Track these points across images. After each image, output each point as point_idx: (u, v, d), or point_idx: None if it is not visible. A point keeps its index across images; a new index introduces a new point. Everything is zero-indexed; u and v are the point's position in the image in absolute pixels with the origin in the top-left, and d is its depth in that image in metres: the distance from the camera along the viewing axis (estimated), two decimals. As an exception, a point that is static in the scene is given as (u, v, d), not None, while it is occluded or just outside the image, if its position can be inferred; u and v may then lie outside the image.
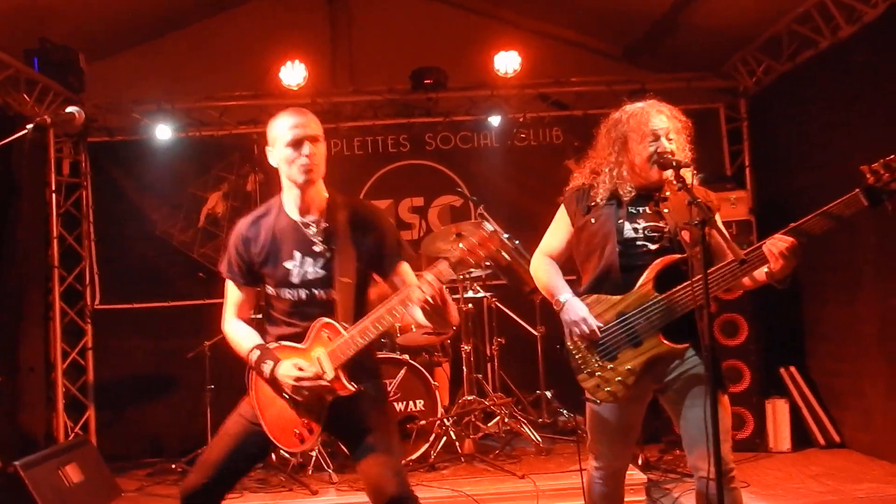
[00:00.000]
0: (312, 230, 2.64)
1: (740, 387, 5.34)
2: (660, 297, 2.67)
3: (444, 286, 2.40)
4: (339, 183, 6.79)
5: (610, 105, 3.27)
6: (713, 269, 2.59)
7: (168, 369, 6.22)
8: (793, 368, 5.73)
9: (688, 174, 2.61)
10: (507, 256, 4.95)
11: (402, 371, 4.81)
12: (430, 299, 2.36)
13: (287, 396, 2.57)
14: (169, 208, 6.43)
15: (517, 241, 5.15)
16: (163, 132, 6.37)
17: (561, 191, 3.00)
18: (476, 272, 5.46)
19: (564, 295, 2.82)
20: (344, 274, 2.56)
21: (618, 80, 6.29)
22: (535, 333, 5.55)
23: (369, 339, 2.48)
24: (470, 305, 5.37)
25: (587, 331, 2.73)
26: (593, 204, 2.83)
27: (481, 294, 5.55)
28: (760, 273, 2.63)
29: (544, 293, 2.93)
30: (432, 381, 4.83)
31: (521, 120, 6.41)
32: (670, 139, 2.75)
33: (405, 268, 2.67)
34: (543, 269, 2.93)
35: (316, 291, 2.59)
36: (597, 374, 2.75)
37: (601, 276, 2.77)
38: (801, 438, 5.48)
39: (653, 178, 2.75)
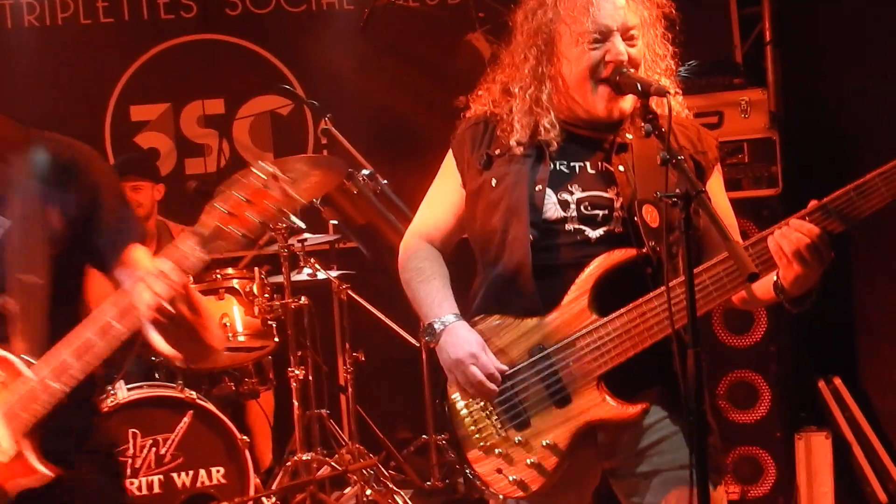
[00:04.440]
0: None
1: (754, 414, 5.42)
2: (602, 322, 2.69)
3: (191, 279, 2.36)
4: (74, 75, 6.81)
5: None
6: (697, 270, 2.57)
7: None
8: (837, 381, 5.82)
9: (667, 103, 2.54)
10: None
11: (186, 418, 4.78)
12: (166, 306, 2.31)
13: None
14: None
15: (385, 182, 5.16)
16: None
17: (464, 88, 3.01)
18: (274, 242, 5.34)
19: (444, 316, 2.82)
20: (26, 265, 2.51)
21: None
22: (417, 344, 5.58)
23: (75, 382, 2.41)
24: (303, 299, 5.33)
25: (480, 378, 2.73)
26: (498, 152, 2.83)
27: (322, 275, 5.49)
28: (765, 284, 2.63)
29: (415, 308, 2.93)
30: (238, 435, 4.82)
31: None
32: (631, 38, 2.72)
33: (139, 253, 2.60)
34: (414, 266, 2.94)
35: None
36: (496, 450, 2.77)
37: (504, 282, 2.78)
38: (851, 492, 5.66)
39: (597, 111, 2.75)
